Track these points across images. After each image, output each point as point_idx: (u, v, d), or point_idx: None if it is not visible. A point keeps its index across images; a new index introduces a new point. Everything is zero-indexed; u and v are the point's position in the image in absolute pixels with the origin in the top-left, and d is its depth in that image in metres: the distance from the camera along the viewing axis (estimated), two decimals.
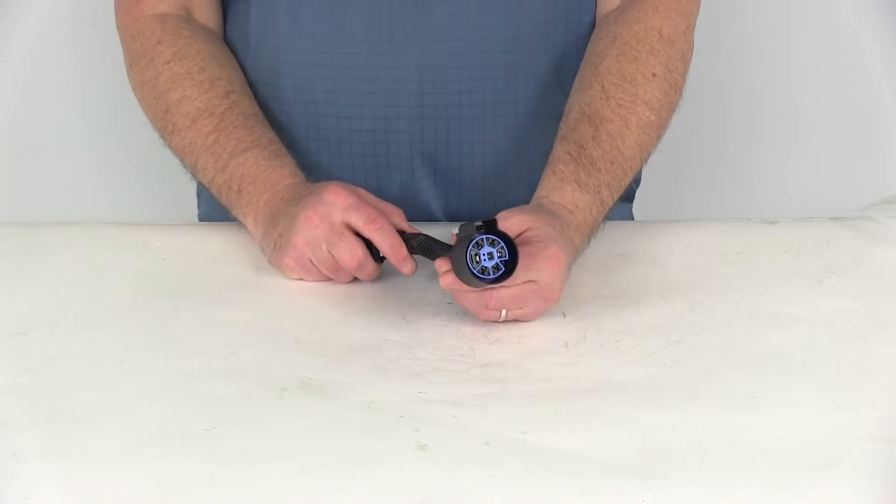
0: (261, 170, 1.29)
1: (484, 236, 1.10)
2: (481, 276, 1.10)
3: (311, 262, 1.22)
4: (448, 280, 1.13)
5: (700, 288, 1.23)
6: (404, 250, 1.20)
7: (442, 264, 1.15)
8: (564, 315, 1.18)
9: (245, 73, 1.40)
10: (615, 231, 1.31)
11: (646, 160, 1.31)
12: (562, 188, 1.24)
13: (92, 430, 1.01)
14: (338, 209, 1.21)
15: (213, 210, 1.38)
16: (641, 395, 1.05)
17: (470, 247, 1.10)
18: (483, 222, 1.11)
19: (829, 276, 1.25)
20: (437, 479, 0.94)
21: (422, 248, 1.19)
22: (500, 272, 1.11)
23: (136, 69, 1.39)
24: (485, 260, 1.10)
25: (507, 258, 1.11)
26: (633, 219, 1.55)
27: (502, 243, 1.11)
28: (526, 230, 1.16)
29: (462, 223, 1.13)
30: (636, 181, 1.54)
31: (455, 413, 1.02)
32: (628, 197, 1.53)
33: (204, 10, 1.41)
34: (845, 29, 1.98)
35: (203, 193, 1.50)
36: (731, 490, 0.93)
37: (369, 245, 1.21)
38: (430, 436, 0.99)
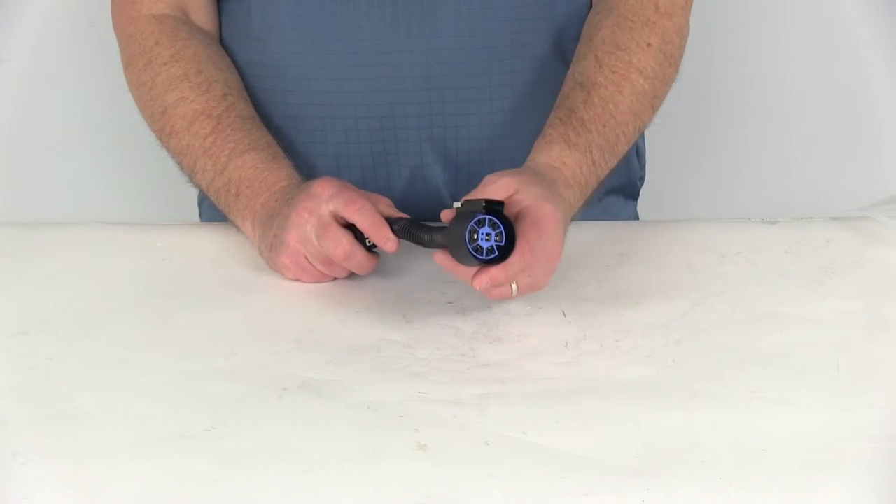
0: (258, 172, 1.29)
1: (488, 216, 1.10)
2: (475, 254, 1.10)
3: (306, 258, 1.22)
4: (441, 258, 1.14)
5: (700, 288, 1.23)
6: (386, 229, 1.19)
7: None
8: (564, 315, 1.17)
9: (248, 67, 1.40)
10: (615, 231, 1.31)
11: (640, 129, 1.31)
12: (549, 148, 1.24)
13: (92, 430, 1.01)
14: (323, 200, 1.21)
15: (217, 219, 1.38)
16: (641, 395, 1.05)
17: (472, 223, 1.10)
18: (487, 202, 1.11)
19: (829, 276, 1.25)
20: (437, 479, 0.94)
21: (404, 231, 1.19)
22: (493, 256, 1.11)
23: (132, 70, 1.38)
24: (482, 239, 1.10)
25: (503, 244, 1.11)
26: (637, 218, 1.55)
27: (502, 229, 1.10)
28: (514, 193, 1.16)
29: (466, 199, 1.13)
30: (640, 179, 1.54)
31: (455, 413, 1.02)
32: (633, 195, 1.53)
33: (200, 11, 1.41)
34: (846, 29, 1.98)
35: (205, 203, 1.50)
36: (731, 490, 0.93)
37: (360, 237, 1.21)
38: (430, 436, 0.99)
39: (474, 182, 1.40)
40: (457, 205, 1.13)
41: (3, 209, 1.99)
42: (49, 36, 1.96)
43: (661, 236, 1.34)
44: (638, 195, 1.55)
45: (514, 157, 1.40)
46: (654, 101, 1.32)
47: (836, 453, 0.97)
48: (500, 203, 1.12)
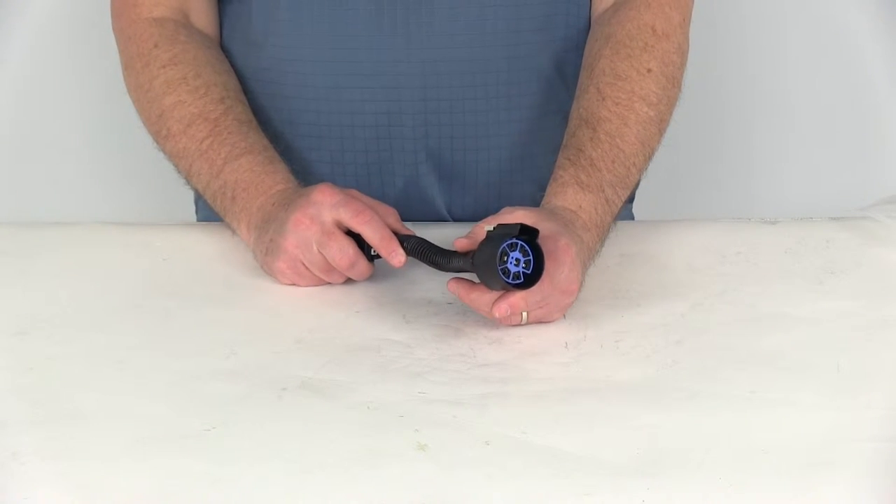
0: (254, 175, 1.29)
1: (520, 242, 1.10)
2: (502, 275, 1.09)
3: (304, 264, 1.22)
4: (455, 287, 1.14)
5: (700, 288, 1.23)
6: (394, 242, 1.19)
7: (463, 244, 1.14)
8: (564, 315, 1.17)
9: (247, 71, 1.41)
10: (615, 231, 1.31)
11: (650, 156, 1.31)
12: (563, 192, 1.24)
13: (92, 430, 1.01)
14: (326, 208, 1.21)
15: (212, 218, 1.38)
16: (641, 395, 1.05)
17: (505, 244, 1.09)
18: (523, 227, 1.10)
19: (829, 276, 1.25)
20: (437, 479, 0.94)
21: (416, 250, 1.19)
22: (518, 282, 1.10)
23: (131, 72, 1.38)
24: (511, 263, 1.10)
25: (529, 272, 1.10)
26: (633, 218, 1.55)
27: (532, 257, 1.10)
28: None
29: (500, 224, 1.12)
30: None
31: (455, 413, 1.02)
32: (629, 197, 1.53)
33: (201, 14, 1.41)
34: (845, 29, 1.98)
35: (201, 201, 1.50)
36: (731, 490, 0.93)
37: (361, 244, 1.21)
38: (430, 436, 0.99)
39: (469, 193, 1.41)
40: (488, 228, 1.13)
41: (3, 209, 1.99)
42: (49, 36, 1.96)
43: (661, 236, 1.34)
44: (633, 197, 1.55)
45: (509, 169, 1.40)
46: (660, 125, 1.31)
47: (836, 453, 0.97)
48: (536, 231, 1.11)
